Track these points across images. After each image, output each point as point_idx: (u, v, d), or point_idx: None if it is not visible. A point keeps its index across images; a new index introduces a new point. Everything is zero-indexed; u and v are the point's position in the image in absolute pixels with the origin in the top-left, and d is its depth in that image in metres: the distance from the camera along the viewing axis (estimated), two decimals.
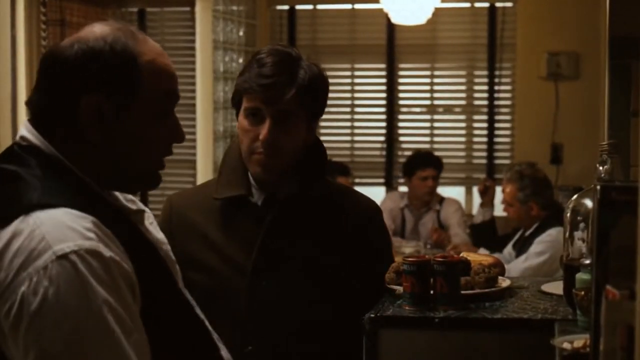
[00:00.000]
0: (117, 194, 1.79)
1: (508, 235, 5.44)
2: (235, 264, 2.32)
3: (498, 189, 6.05)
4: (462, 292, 2.24)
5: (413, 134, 7.02)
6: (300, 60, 2.37)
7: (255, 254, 2.30)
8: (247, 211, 2.36)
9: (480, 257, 2.58)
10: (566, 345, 1.79)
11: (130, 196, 1.84)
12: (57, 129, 1.67)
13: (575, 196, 2.26)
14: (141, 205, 1.86)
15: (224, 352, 1.86)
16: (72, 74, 1.66)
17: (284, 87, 2.29)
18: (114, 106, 1.67)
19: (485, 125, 6.85)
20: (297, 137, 2.34)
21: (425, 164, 5.98)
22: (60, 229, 1.52)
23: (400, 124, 6.99)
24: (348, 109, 7.04)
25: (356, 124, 7.02)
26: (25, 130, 1.69)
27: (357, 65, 7.07)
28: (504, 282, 2.39)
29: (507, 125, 6.84)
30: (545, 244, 4.89)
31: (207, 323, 1.85)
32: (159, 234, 1.86)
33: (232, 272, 2.30)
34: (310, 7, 7.08)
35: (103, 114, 1.66)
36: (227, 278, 2.31)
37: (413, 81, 7.06)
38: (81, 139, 1.67)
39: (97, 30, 1.69)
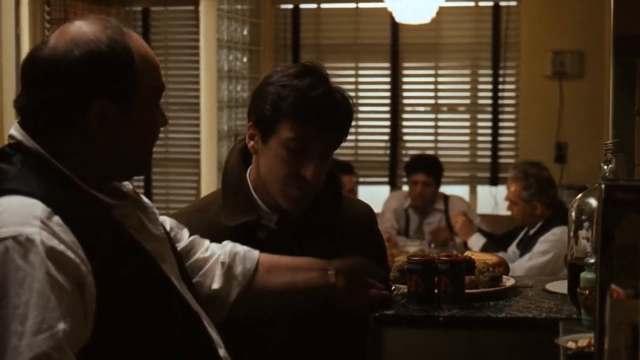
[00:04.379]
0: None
1: (511, 234, 5.43)
2: None
3: (499, 189, 6.07)
4: (467, 291, 2.24)
5: (417, 133, 7.01)
6: (333, 84, 2.27)
7: None
8: (258, 235, 2.28)
9: (484, 256, 2.58)
10: (570, 344, 1.79)
11: (126, 187, 1.85)
12: (44, 127, 1.68)
13: (579, 195, 2.26)
14: (144, 200, 1.87)
15: (223, 350, 1.84)
16: (68, 84, 1.66)
17: (337, 124, 2.25)
18: (119, 107, 1.69)
19: (489, 124, 6.84)
20: (327, 170, 2.33)
21: (415, 169, 5.93)
22: (8, 214, 1.55)
23: (404, 123, 6.99)
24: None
25: (360, 122, 7.01)
26: (13, 129, 1.72)
27: (361, 65, 7.07)
28: (508, 282, 2.39)
29: (511, 124, 6.83)
30: (550, 243, 4.88)
31: (204, 319, 1.83)
32: (157, 230, 1.85)
33: None
34: (314, 6, 7.08)
35: (108, 116, 1.68)
36: None
37: (417, 80, 7.05)
38: (75, 139, 1.69)
39: (88, 30, 1.68)
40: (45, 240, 1.53)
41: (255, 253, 2.15)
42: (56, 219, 1.57)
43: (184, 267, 1.95)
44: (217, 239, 2.21)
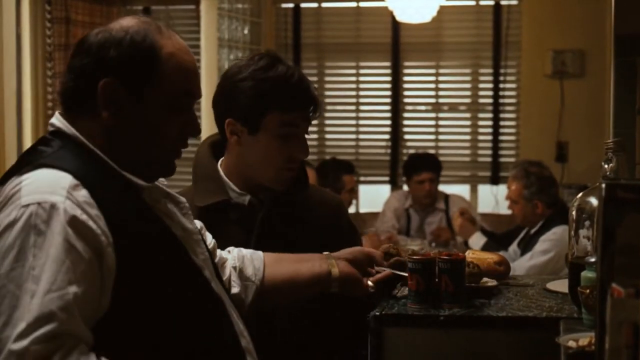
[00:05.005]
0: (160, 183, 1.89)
1: (512, 233, 5.43)
2: None
3: (500, 189, 6.08)
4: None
5: (418, 132, 7.01)
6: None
7: None
8: (231, 215, 2.38)
9: (485, 255, 2.58)
10: (571, 344, 1.79)
11: (164, 184, 1.92)
12: (79, 111, 1.78)
13: (580, 194, 2.26)
14: (179, 197, 1.92)
15: (245, 341, 1.88)
16: (92, 59, 1.75)
17: (319, 103, 2.38)
18: (129, 93, 1.75)
19: (490, 123, 6.84)
20: None
21: (420, 168, 5.94)
22: (37, 184, 1.64)
23: (405, 122, 6.99)
24: (353, 107, 7.04)
25: (361, 121, 7.02)
26: (54, 117, 1.81)
27: (362, 64, 7.07)
28: (490, 282, 2.38)
29: (512, 123, 6.83)
30: (551, 242, 4.88)
31: (231, 309, 1.89)
32: (191, 225, 1.90)
33: None
34: (315, 5, 7.08)
35: (118, 97, 1.75)
36: None
37: (418, 79, 7.05)
38: (99, 121, 1.76)
39: (124, 22, 1.80)
40: (69, 209, 1.61)
41: (259, 252, 2.22)
42: (83, 192, 1.65)
43: (216, 266, 2.02)
44: None
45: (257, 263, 2.18)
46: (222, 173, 2.42)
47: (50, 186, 1.64)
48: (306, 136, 2.38)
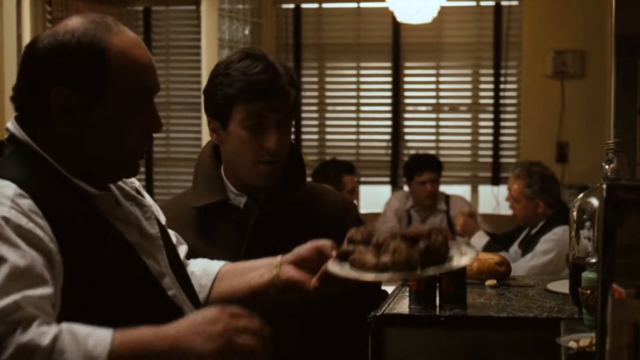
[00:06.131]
0: (123, 184, 1.85)
1: (512, 234, 5.43)
2: None
3: (501, 189, 6.08)
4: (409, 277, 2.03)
5: (418, 133, 7.01)
6: (274, 60, 2.36)
7: (243, 257, 2.30)
8: (228, 216, 2.38)
9: (487, 255, 2.58)
10: (572, 344, 1.79)
11: (132, 185, 1.88)
12: (32, 119, 1.74)
13: (581, 195, 2.26)
14: (144, 200, 1.88)
15: None
16: (41, 66, 1.71)
17: (285, 94, 2.32)
18: (82, 99, 1.70)
19: (490, 123, 6.85)
20: (290, 140, 2.40)
21: (421, 169, 5.93)
22: None
23: (406, 123, 6.99)
24: (354, 108, 7.04)
25: (362, 122, 7.01)
26: (10, 122, 1.77)
27: (362, 64, 7.06)
28: (462, 259, 1.91)
29: (513, 123, 6.83)
30: (551, 242, 4.88)
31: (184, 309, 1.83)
32: (152, 230, 1.86)
33: None
34: (315, 5, 7.08)
35: (71, 106, 1.70)
36: None
37: (419, 80, 7.05)
38: (52, 128, 1.72)
39: (70, 23, 1.73)
40: (14, 218, 1.58)
41: (215, 268, 2.14)
42: (28, 201, 1.62)
43: (184, 275, 1.96)
44: (187, 224, 2.34)
45: (204, 280, 2.10)
46: (223, 174, 2.41)
47: None
48: (281, 131, 2.31)
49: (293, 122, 2.48)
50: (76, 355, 1.49)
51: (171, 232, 2.04)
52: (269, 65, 2.31)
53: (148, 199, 1.94)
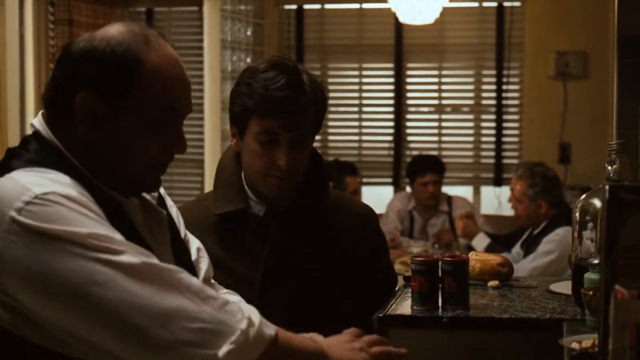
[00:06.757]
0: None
1: (515, 234, 5.43)
2: (240, 276, 2.30)
3: (503, 190, 6.08)
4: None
5: (421, 134, 7.01)
6: (302, 73, 2.31)
7: (263, 266, 2.30)
8: (249, 224, 2.35)
9: (489, 256, 2.58)
10: (574, 345, 1.79)
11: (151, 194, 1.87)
12: (58, 119, 1.73)
13: (583, 196, 2.26)
14: (155, 207, 1.86)
15: None
16: (72, 69, 1.71)
17: (303, 112, 2.28)
18: (107, 106, 1.69)
19: (493, 124, 6.84)
20: (307, 155, 2.35)
21: (424, 170, 5.93)
22: (37, 178, 1.61)
23: (408, 124, 6.99)
24: (356, 109, 7.04)
25: (364, 123, 7.01)
26: (35, 118, 1.77)
27: (365, 65, 7.06)
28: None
29: (515, 124, 6.83)
30: (554, 243, 4.88)
31: None
32: (163, 234, 1.85)
33: (239, 285, 2.17)
34: (318, 6, 7.08)
35: (96, 112, 1.69)
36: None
37: (421, 81, 7.05)
38: (76, 133, 1.71)
39: (110, 30, 1.73)
40: (80, 196, 1.61)
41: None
42: (81, 189, 1.64)
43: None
44: (208, 229, 2.32)
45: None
46: (244, 179, 2.38)
47: (51, 180, 1.61)
48: (296, 149, 2.28)
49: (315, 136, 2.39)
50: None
51: (194, 245, 2.00)
52: (292, 80, 2.26)
53: (170, 203, 1.93)
